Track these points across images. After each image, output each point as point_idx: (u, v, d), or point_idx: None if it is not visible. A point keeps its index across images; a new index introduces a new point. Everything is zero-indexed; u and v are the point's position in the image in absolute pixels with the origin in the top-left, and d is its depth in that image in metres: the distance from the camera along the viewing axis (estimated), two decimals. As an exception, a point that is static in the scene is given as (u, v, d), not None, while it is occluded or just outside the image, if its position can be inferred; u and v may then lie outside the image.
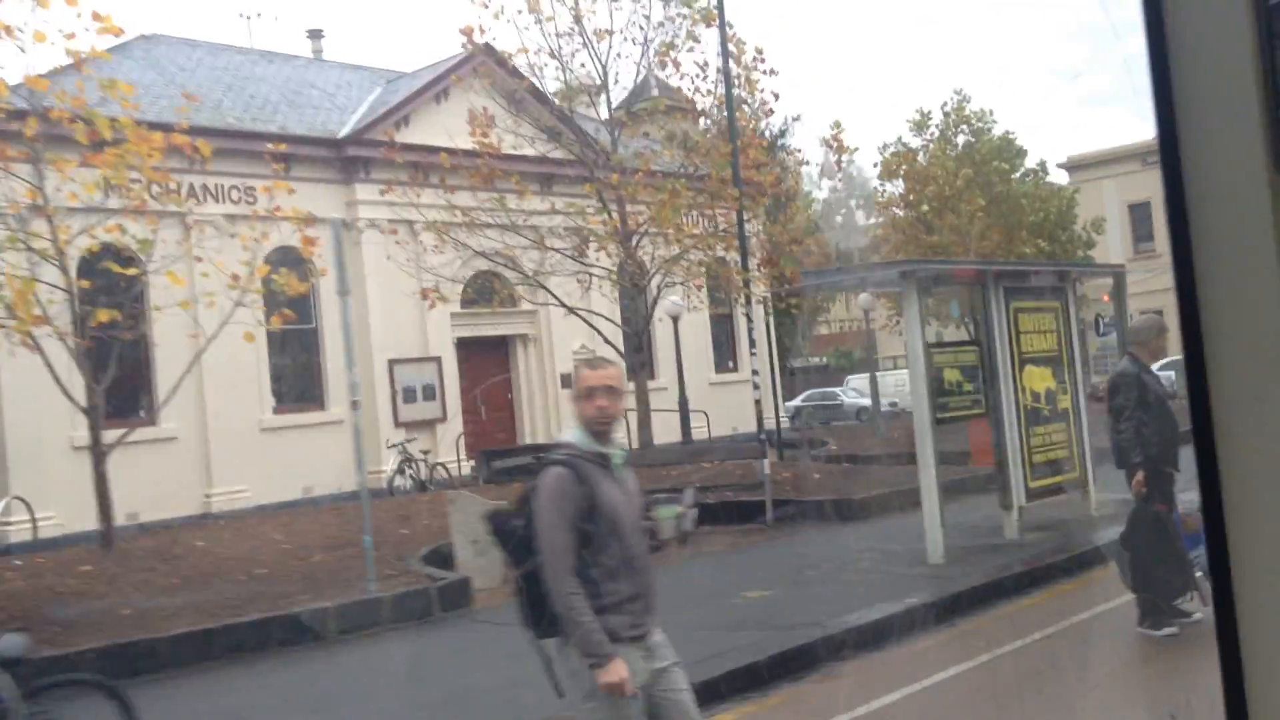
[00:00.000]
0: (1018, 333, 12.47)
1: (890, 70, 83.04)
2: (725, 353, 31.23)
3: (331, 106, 24.91)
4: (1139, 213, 49.36)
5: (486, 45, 21.12)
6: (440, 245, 18.70)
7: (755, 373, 15.70)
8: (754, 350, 15.70)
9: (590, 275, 17.87)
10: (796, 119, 42.00)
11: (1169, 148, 1.24)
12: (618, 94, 18.63)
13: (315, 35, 30.23)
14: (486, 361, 25.98)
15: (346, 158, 23.09)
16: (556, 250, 18.48)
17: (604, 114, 18.90)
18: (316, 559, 11.79)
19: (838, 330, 51.40)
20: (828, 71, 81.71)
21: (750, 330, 15.60)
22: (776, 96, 17.84)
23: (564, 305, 18.65)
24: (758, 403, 15.20)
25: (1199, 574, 8.38)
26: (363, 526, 10.38)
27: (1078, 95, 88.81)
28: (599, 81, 18.04)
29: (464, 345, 25.12)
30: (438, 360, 23.97)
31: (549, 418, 26.63)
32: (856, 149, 47.22)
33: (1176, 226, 1.25)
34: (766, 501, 14.12)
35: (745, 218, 16.50)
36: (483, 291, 23.62)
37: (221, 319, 14.33)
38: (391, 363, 23.07)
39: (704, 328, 29.43)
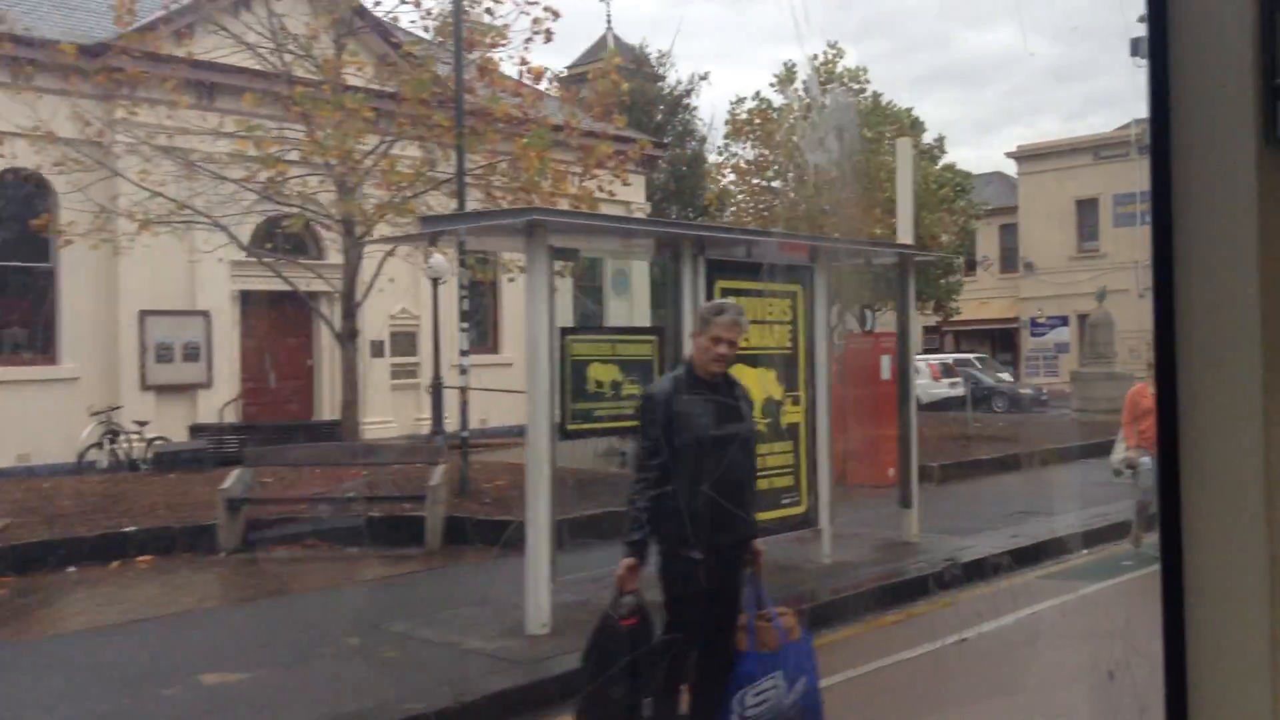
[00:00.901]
0: (726, 321, 9.30)
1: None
2: (591, 324, 27.91)
3: (108, 11, 21.44)
4: (1086, 209, 46.42)
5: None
6: (67, 166, 15.39)
7: (464, 352, 12.40)
8: (464, 325, 12.38)
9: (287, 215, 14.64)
10: (704, 77, 38.72)
11: (1159, 130, 1.23)
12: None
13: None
14: (279, 321, 22.65)
15: (108, 68, 19.65)
16: (223, 178, 15.09)
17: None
18: None
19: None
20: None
21: (462, 299, 12.28)
22: (556, 15, 14.49)
23: (246, 249, 15.45)
24: (452, 391, 11.99)
25: (758, 709, 5.26)
26: None
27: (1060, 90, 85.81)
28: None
29: (252, 300, 21.79)
30: (205, 315, 20.63)
31: (356, 390, 23.34)
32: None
33: (1159, 208, 1.24)
34: (427, 520, 10.96)
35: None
36: (280, 239, 20.20)
37: None
38: (143, 314, 19.73)
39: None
